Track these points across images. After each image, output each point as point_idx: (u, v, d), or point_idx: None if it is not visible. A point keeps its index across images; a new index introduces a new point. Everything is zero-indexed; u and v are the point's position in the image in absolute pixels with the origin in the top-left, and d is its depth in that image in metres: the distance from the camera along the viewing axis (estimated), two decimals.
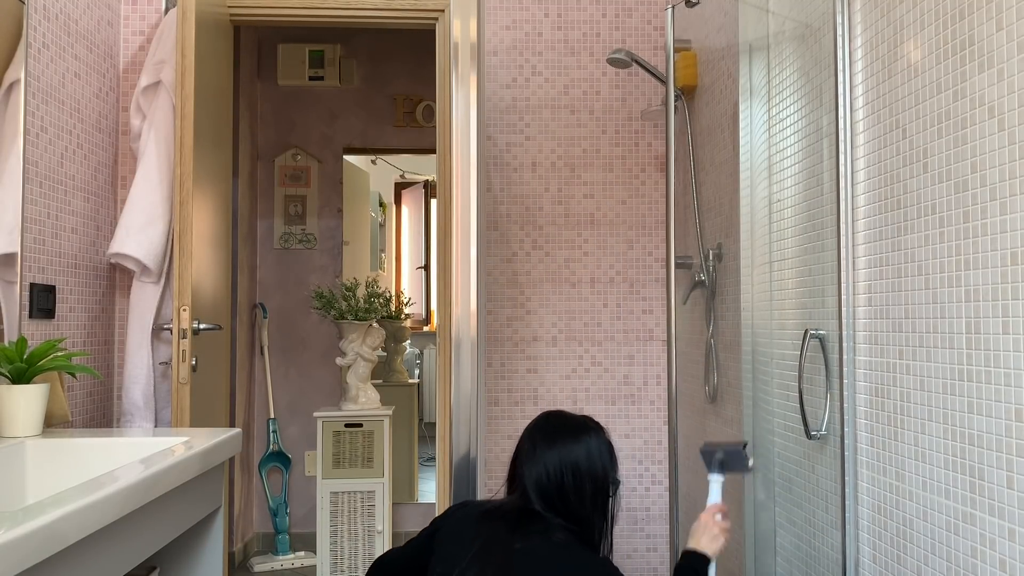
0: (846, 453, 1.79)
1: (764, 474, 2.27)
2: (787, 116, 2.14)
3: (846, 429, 1.79)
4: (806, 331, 1.92)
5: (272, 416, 4.14)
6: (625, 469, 3.13)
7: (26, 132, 2.09)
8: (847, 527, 1.78)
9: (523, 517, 1.61)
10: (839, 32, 1.81)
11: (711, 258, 2.70)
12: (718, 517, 1.75)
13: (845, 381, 1.80)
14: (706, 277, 2.72)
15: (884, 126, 1.66)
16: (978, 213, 1.36)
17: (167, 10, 2.72)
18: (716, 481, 1.80)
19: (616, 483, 1.68)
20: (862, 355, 1.76)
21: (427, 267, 6.31)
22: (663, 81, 2.91)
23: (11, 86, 2.02)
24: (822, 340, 1.92)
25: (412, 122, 4.41)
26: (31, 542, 1.01)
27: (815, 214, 1.97)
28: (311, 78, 4.24)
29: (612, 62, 2.80)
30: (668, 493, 3.14)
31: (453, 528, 1.66)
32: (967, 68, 1.39)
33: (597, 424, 1.72)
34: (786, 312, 2.14)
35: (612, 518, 1.68)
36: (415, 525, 4.26)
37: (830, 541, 1.89)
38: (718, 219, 2.67)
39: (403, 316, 4.60)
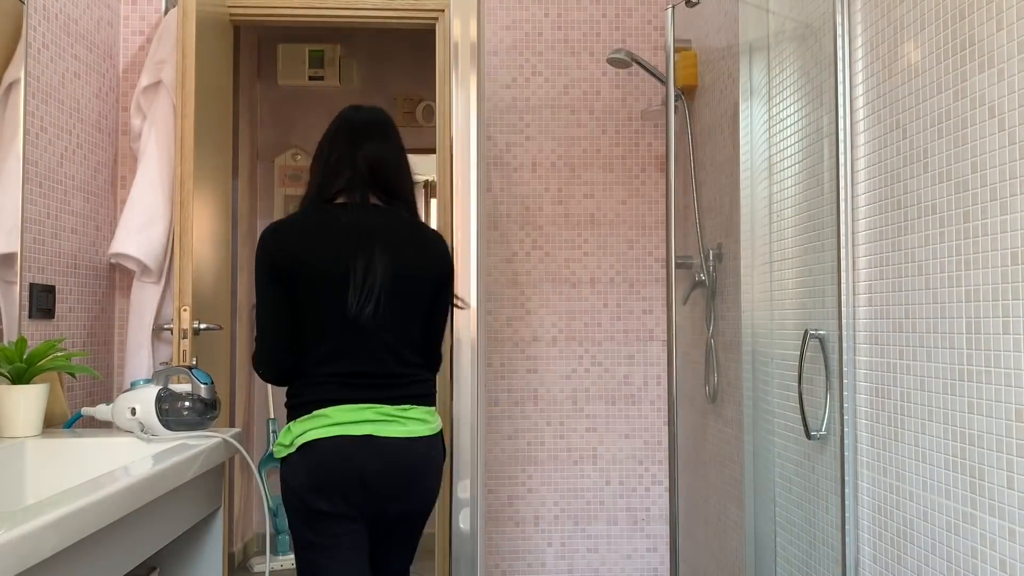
0: (846, 453, 1.79)
1: (764, 474, 2.27)
2: (787, 116, 2.14)
3: (846, 429, 1.79)
4: (806, 331, 1.92)
5: (272, 416, 4.14)
6: (625, 469, 3.13)
7: (26, 132, 2.09)
8: (847, 527, 1.78)
9: (370, 207, 1.77)
10: (839, 32, 1.81)
11: (711, 258, 2.70)
12: None
13: (845, 381, 1.80)
14: (706, 277, 2.72)
15: (884, 126, 1.66)
16: (979, 213, 1.36)
17: (167, 10, 2.72)
18: None
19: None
20: (862, 355, 1.76)
21: None
22: (663, 81, 2.90)
23: (10, 86, 2.02)
24: (822, 340, 1.92)
25: (412, 122, 4.41)
26: (31, 542, 1.01)
27: (815, 214, 1.97)
28: (311, 78, 4.24)
29: (612, 62, 2.80)
30: (668, 493, 3.14)
31: (307, 264, 1.70)
32: (967, 68, 1.39)
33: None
34: (786, 312, 2.14)
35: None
36: None
37: (830, 541, 1.89)
38: (718, 219, 2.67)
39: None
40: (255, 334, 1.79)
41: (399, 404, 1.74)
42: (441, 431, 1.83)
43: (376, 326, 1.71)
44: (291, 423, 1.74)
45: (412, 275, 1.76)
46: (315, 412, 1.70)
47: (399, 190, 1.83)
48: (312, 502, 1.68)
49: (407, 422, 1.72)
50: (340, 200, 1.79)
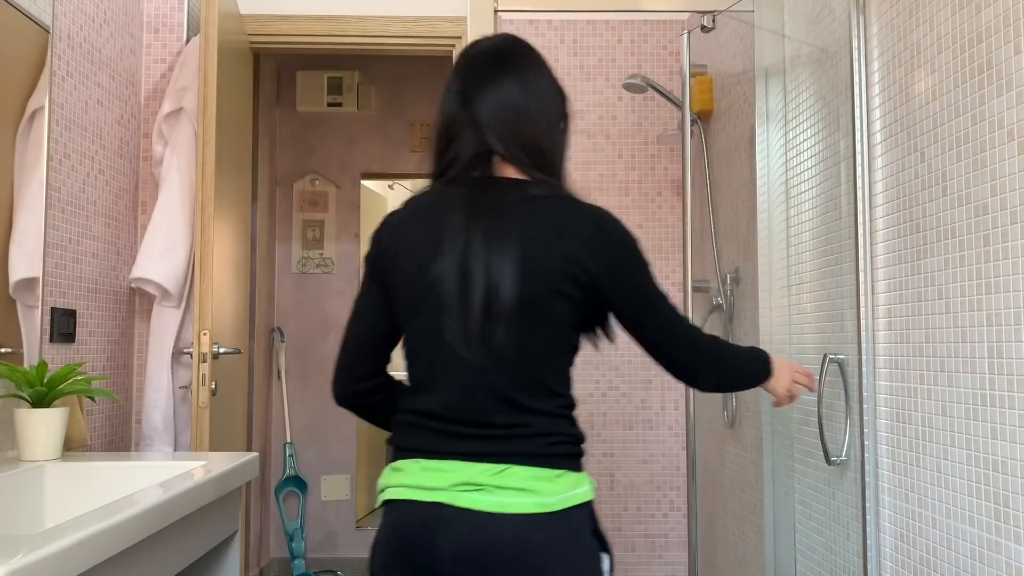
0: (867, 479, 1.77)
1: (783, 501, 2.25)
2: (804, 140, 2.14)
3: (867, 455, 1.77)
4: (825, 355, 1.91)
5: (289, 440, 4.15)
6: (643, 495, 3.10)
7: (49, 158, 2.12)
8: (869, 555, 1.76)
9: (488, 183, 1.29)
10: (855, 56, 1.81)
11: (728, 282, 2.69)
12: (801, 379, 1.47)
13: (865, 406, 1.78)
14: (723, 301, 2.71)
15: (902, 150, 1.66)
16: (999, 236, 1.35)
17: (188, 39, 2.77)
18: None
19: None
20: (882, 380, 1.74)
21: None
22: (679, 106, 2.91)
23: (35, 113, 2.05)
24: (841, 364, 1.90)
25: (429, 147, 4.44)
26: (49, 566, 1.01)
27: (833, 238, 1.96)
28: (329, 104, 4.29)
29: (628, 87, 2.81)
30: (686, 520, 3.11)
31: (399, 248, 1.31)
32: (985, 91, 1.39)
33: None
34: (805, 336, 2.13)
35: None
36: None
37: (852, 569, 1.87)
38: (735, 243, 2.66)
39: None
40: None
41: (493, 462, 1.23)
42: (573, 509, 1.23)
43: (479, 357, 1.24)
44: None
45: (533, 284, 1.23)
46: (395, 463, 1.31)
47: (529, 152, 1.31)
48: None
49: (495, 491, 1.21)
50: (452, 175, 1.32)
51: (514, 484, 1.20)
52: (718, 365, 1.35)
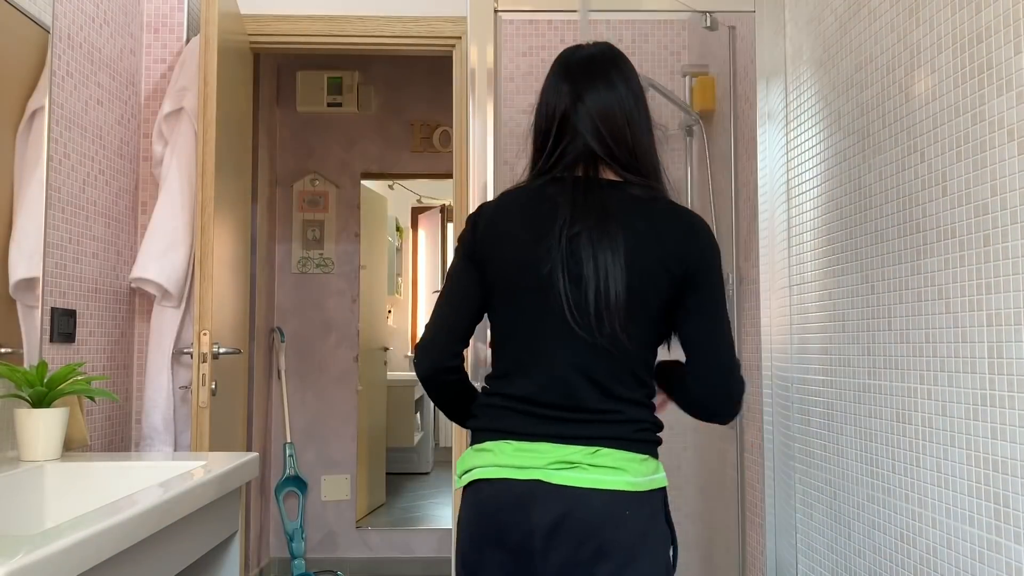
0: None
1: (785, 499, 2.25)
2: (805, 140, 2.14)
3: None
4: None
5: (289, 440, 4.15)
6: None
7: (49, 159, 2.12)
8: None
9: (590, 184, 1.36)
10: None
11: (731, 282, 2.69)
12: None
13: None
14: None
15: (902, 150, 1.66)
16: (999, 236, 1.35)
17: (188, 39, 2.77)
18: None
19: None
20: (883, 380, 1.74)
21: None
22: (680, 105, 2.91)
23: (35, 113, 2.05)
24: (843, 364, 1.90)
25: (429, 147, 4.44)
26: (49, 566, 1.01)
27: (835, 238, 1.96)
28: (329, 104, 4.29)
29: None
30: (687, 520, 3.11)
31: (501, 241, 1.37)
32: (985, 91, 1.39)
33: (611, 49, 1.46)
34: (806, 336, 2.13)
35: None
36: (429, 550, 4.23)
37: (853, 569, 1.87)
38: (737, 243, 2.66)
39: None
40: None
41: (586, 444, 1.32)
42: (655, 492, 1.33)
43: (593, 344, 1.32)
44: (467, 450, 1.43)
45: (635, 282, 1.32)
46: (482, 444, 1.38)
47: (631, 156, 1.40)
48: (470, 553, 1.34)
49: (589, 469, 1.29)
50: (557, 173, 1.39)
51: (607, 463, 1.29)
52: (729, 403, 1.40)
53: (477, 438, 1.40)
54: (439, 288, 6.33)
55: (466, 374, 1.47)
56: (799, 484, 2.18)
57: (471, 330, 1.43)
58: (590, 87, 1.40)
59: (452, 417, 1.50)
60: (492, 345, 1.43)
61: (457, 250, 1.44)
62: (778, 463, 2.27)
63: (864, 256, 1.81)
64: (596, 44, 1.47)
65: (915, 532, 1.62)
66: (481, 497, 1.33)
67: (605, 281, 1.30)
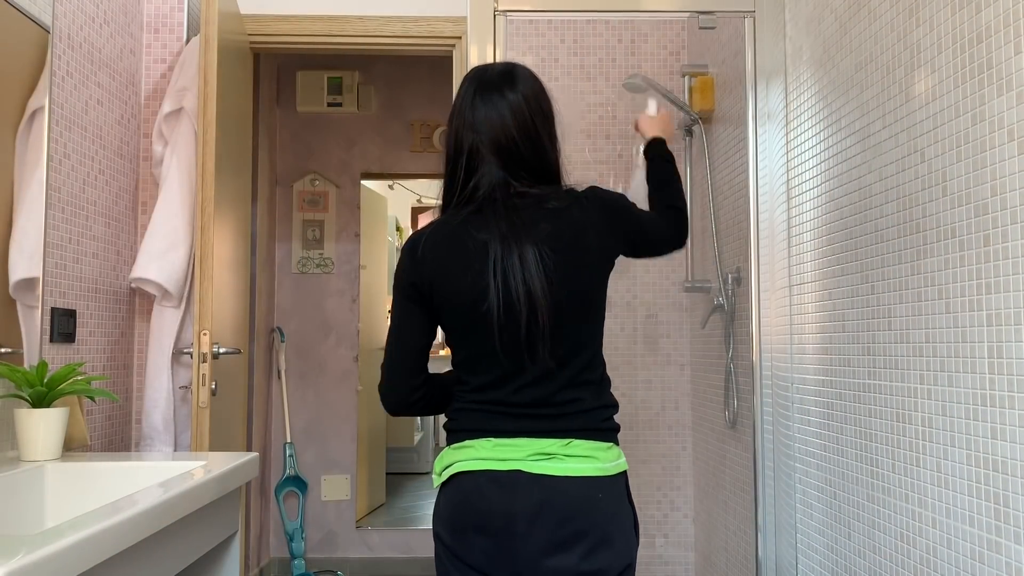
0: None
1: (785, 501, 2.25)
2: (805, 140, 2.14)
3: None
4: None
5: (289, 440, 4.15)
6: (643, 496, 3.10)
7: (49, 159, 2.12)
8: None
9: (508, 201, 1.44)
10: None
11: (730, 282, 2.69)
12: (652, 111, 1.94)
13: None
14: (725, 301, 2.71)
15: (902, 150, 1.66)
16: (999, 236, 1.35)
17: (188, 39, 2.77)
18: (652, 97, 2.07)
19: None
20: (883, 380, 1.74)
21: None
22: (679, 105, 2.91)
23: (35, 113, 2.05)
24: (843, 364, 1.90)
25: (429, 147, 4.44)
26: (49, 566, 1.01)
27: (835, 238, 1.96)
28: (329, 104, 4.29)
29: (628, 87, 2.81)
30: (686, 520, 3.11)
31: (439, 269, 1.44)
32: (985, 91, 1.39)
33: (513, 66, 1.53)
34: (805, 336, 2.13)
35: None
36: (429, 551, 4.23)
37: (853, 568, 1.87)
38: (737, 243, 2.66)
39: None
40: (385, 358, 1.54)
41: (559, 437, 1.44)
42: (620, 476, 1.47)
43: (543, 363, 1.43)
44: (444, 449, 1.52)
45: (576, 282, 1.44)
46: (462, 442, 1.47)
47: (538, 170, 1.49)
48: (451, 542, 1.44)
49: (564, 459, 1.42)
50: (475, 205, 1.47)
51: (579, 453, 1.43)
52: (682, 217, 1.71)
53: (455, 438, 1.49)
54: None
55: (431, 383, 1.53)
56: (799, 484, 2.18)
57: (427, 355, 1.52)
58: (491, 113, 1.47)
59: (434, 413, 1.58)
60: (454, 361, 1.51)
61: (398, 283, 1.49)
62: (778, 463, 2.27)
63: (864, 256, 1.81)
64: (501, 64, 1.54)
65: (915, 532, 1.62)
66: (464, 488, 1.43)
67: (539, 298, 1.40)
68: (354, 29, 2.97)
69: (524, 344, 1.42)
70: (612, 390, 3.14)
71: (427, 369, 1.52)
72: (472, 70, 1.55)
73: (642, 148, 1.87)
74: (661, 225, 1.66)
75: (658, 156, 1.81)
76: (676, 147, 3.16)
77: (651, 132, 1.87)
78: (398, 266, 1.50)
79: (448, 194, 1.51)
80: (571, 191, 1.51)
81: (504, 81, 1.49)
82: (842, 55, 1.91)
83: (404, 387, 1.50)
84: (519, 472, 1.41)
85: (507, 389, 1.45)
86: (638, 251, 1.61)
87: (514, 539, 1.39)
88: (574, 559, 1.39)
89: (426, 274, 1.45)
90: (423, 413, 1.54)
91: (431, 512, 1.58)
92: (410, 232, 7.77)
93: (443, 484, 1.48)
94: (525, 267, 1.40)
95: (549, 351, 1.42)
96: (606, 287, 1.52)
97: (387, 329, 1.52)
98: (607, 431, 1.48)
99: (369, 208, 4.92)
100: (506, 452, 1.42)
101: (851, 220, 1.87)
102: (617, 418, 3.10)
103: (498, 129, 1.46)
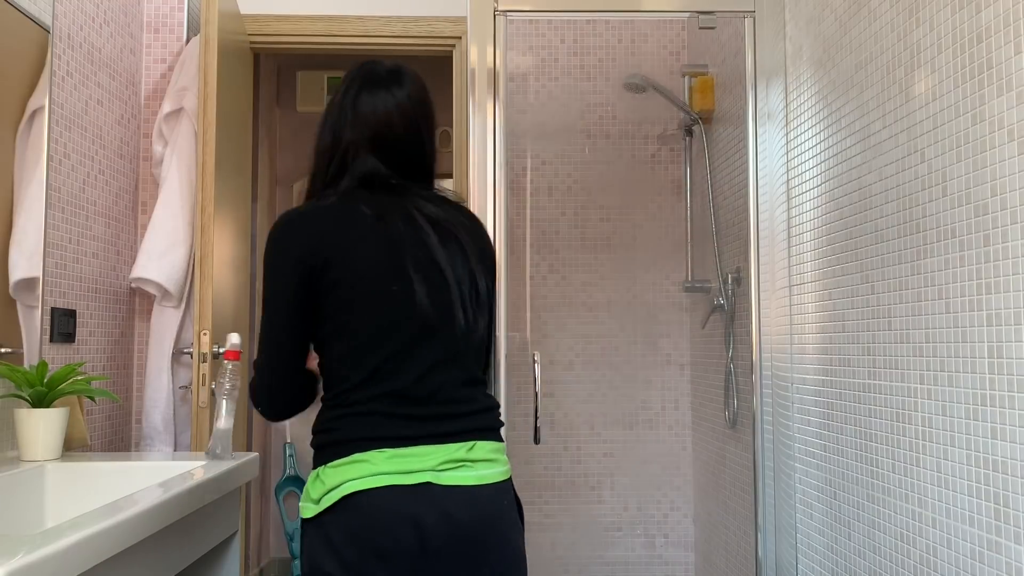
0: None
1: (785, 500, 2.25)
2: (805, 140, 2.14)
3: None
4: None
5: (289, 440, 4.15)
6: (643, 496, 3.10)
7: (49, 158, 2.12)
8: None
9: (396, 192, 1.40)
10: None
11: (730, 282, 2.69)
12: None
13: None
14: (725, 301, 2.71)
15: (902, 150, 1.66)
16: (999, 236, 1.35)
17: (188, 39, 2.77)
18: None
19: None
20: (883, 380, 1.74)
21: None
22: (679, 105, 2.91)
23: (35, 113, 2.05)
24: (843, 364, 1.90)
25: None
26: (49, 566, 1.01)
27: (835, 238, 1.96)
28: None
29: (628, 87, 2.81)
30: (686, 520, 3.12)
31: (321, 243, 1.34)
32: (985, 91, 1.39)
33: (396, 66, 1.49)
34: (805, 336, 2.13)
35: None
36: None
37: (853, 568, 1.87)
38: (736, 243, 2.66)
39: None
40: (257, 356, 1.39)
41: (461, 440, 1.33)
42: (510, 478, 1.39)
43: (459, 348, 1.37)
44: (320, 469, 1.33)
45: (481, 276, 1.42)
46: (352, 456, 1.30)
47: (419, 165, 1.47)
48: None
49: (473, 466, 1.32)
50: (348, 184, 1.42)
51: (483, 457, 1.32)
52: None
53: (339, 451, 1.30)
54: None
55: (308, 377, 1.43)
56: (799, 484, 2.18)
57: (308, 348, 1.39)
58: (378, 104, 1.43)
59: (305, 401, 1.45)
60: (328, 360, 1.36)
61: (280, 264, 1.34)
62: (778, 463, 2.27)
63: (864, 256, 1.81)
64: (390, 62, 1.50)
65: (915, 532, 1.62)
66: (362, 511, 1.25)
67: (462, 281, 1.37)
68: (354, 29, 2.97)
69: (438, 318, 1.33)
70: (612, 390, 3.17)
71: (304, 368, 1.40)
72: (359, 66, 1.49)
73: None
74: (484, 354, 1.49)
75: None
76: (676, 147, 3.16)
77: None
78: (274, 246, 1.35)
79: (315, 183, 1.44)
80: (451, 192, 1.50)
81: (392, 79, 1.46)
82: (842, 55, 1.91)
83: (285, 395, 1.38)
84: (428, 484, 1.26)
85: (402, 380, 1.31)
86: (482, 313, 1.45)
87: (426, 558, 1.26)
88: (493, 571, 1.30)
89: (317, 247, 1.32)
90: (297, 413, 1.41)
91: None
92: None
93: (326, 510, 1.27)
94: (437, 248, 1.36)
95: (463, 329, 1.35)
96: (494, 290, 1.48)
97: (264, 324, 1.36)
98: (499, 430, 1.41)
99: None
100: (410, 463, 1.27)
101: (851, 220, 1.87)
102: (615, 415, 3.11)
103: (383, 125, 1.42)
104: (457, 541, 1.26)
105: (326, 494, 1.27)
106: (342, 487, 1.26)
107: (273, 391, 1.38)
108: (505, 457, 1.38)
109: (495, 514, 1.30)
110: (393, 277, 1.32)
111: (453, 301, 1.35)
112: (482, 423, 1.36)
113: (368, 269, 1.32)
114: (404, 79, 1.46)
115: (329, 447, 1.32)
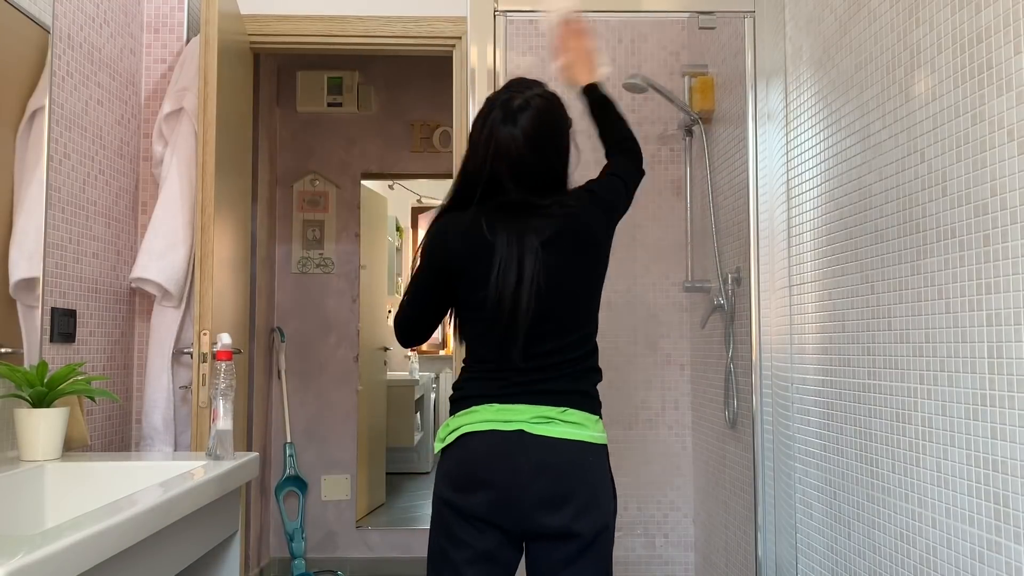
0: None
1: (785, 500, 2.25)
2: (805, 140, 2.14)
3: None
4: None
5: (289, 440, 4.15)
6: (643, 495, 3.10)
7: (49, 159, 2.12)
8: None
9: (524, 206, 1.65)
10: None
11: (730, 282, 2.69)
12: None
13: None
14: (725, 301, 2.71)
15: (902, 150, 1.66)
16: (999, 236, 1.35)
17: (189, 39, 2.77)
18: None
19: (570, 121, 1.76)
20: (883, 380, 1.74)
21: None
22: (679, 106, 2.91)
23: (35, 113, 2.05)
24: (843, 364, 1.90)
25: (429, 147, 4.44)
26: (49, 566, 1.01)
27: (835, 238, 1.96)
28: (329, 104, 4.29)
29: (628, 87, 2.81)
30: (686, 520, 3.11)
31: (460, 254, 1.65)
32: (985, 91, 1.39)
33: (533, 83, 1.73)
34: (805, 336, 2.13)
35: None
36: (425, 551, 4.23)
37: (852, 568, 1.87)
38: (736, 243, 2.66)
39: None
40: (401, 306, 1.77)
41: (556, 404, 1.63)
42: (604, 447, 1.67)
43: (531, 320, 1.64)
44: (451, 417, 1.70)
45: (584, 271, 1.69)
46: (467, 408, 1.65)
47: (546, 184, 1.69)
48: (455, 499, 1.61)
49: (561, 424, 1.61)
50: (489, 204, 1.69)
51: (574, 420, 1.61)
52: (637, 145, 1.94)
53: (460, 405, 1.66)
54: None
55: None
56: (799, 484, 2.18)
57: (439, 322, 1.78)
58: (509, 135, 1.63)
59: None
60: (464, 337, 1.71)
61: (424, 260, 1.69)
62: (778, 463, 2.27)
63: (864, 256, 1.81)
64: (519, 99, 1.67)
65: (915, 532, 1.62)
66: (471, 446, 1.60)
67: (563, 284, 1.64)
68: (354, 29, 2.98)
69: (541, 315, 1.61)
70: (612, 390, 3.16)
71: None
72: (497, 95, 1.69)
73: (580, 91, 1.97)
74: (629, 166, 1.87)
75: (599, 97, 1.95)
76: (676, 147, 3.16)
77: (582, 78, 1.97)
78: (431, 247, 1.68)
79: (459, 196, 1.70)
80: (575, 193, 1.72)
81: (520, 111, 1.65)
82: (842, 55, 1.91)
83: (412, 340, 1.78)
84: (522, 432, 1.58)
85: (509, 363, 1.62)
86: (630, 195, 1.84)
87: (517, 489, 1.56)
88: (564, 518, 1.57)
89: (455, 256, 1.65)
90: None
91: (431, 512, 1.64)
92: (410, 232, 7.77)
93: (448, 447, 1.64)
94: (522, 268, 1.60)
95: (547, 345, 1.64)
96: (603, 276, 1.74)
97: (405, 293, 1.76)
98: (595, 404, 1.70)
99: (369, 208, 4.92)
100: (509, 415, 1.60)
101: (851, 220, 1.87)
102: (615, 414, 3.11)
103: (514, 158, 1.63)
104: (542, 477, 1.56)
105: (449, 434, 1.64)
106: (459, 430, 1.62)
107: (404, 333, 1.77)
108: (599, 427, 1.65)
109: (574, 461, 1.59)
110: (511, 283, 1.60)
111: (554, 306, 1.63)
112: (581, 394, 1.65)
113: (492, 277, 1.61)
114: (529, 109, 1.65)
115: (458, 401, 1.68)
